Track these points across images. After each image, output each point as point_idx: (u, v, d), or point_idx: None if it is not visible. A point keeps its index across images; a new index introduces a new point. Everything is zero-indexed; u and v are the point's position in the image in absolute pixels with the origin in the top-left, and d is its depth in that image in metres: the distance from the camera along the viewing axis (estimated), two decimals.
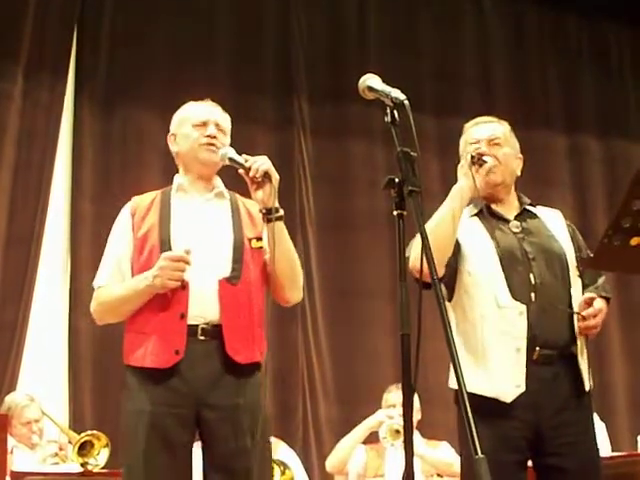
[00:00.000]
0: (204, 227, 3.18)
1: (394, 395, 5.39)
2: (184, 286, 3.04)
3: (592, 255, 2.51)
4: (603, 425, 5.66)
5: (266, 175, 3.10)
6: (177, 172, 3.35)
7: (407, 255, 2.95)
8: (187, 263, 3.01)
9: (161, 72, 6.55)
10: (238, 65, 6.83)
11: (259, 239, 3.19)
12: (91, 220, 6.08)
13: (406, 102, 2.38)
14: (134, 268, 3.16)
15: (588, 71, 7.95)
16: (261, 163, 3.11)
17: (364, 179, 6.94)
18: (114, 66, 6.49)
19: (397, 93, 2.43)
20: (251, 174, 3.10)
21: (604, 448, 5.37)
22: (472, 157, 3.20)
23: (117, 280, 3.18)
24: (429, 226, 3.05)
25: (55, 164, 6.16)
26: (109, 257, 3.25)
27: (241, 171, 3.14)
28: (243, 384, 3.06)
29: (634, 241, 2.36)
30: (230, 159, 3.18)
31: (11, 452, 4.98)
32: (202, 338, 3.03)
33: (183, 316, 3.03)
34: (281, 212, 3.15)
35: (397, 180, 2.34)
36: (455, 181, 3.21)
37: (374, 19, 7.32)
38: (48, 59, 6.26)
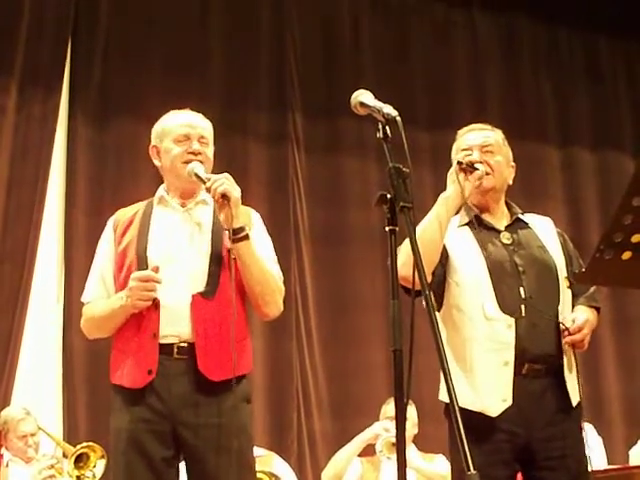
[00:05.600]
0: (182, 240, 3.15)
1: (392, 407, 5.37)
2: (156, 305, 3.03)
3: (584, 269, 2.51)
4: (600, 439, 5.66)
5: (224, 197, 3.00)
6: None
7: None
8: (157, 282, 3.00)
9: (155, 85, 6.55)
10: (233, 79, 6.83)
11: None
12: (85, 233, 6.07)
13: (398, 118, 2.38)
14: (116, 284, 3.16)
15: (581, 83, 7.97)
16: (219, 184, 3.02)
17: (358, 194, 6.95)
18: (108, 79, 6.49)
19: (389, 109, 2.42)
20: (211, 195, 3.05)
21: (601, 462, 5.38)
22: (459, 163, 3.18)
23: (102, 296, 3.20)
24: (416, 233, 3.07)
25: (49, 177, 6.15)
26: (94, 273, 3.26)
27: (205, 189, 3.11)
28: (219, 402, 3.02)
29: (625, 255, 2.36)
30: (196, 175, 3.12)
31: (6, 466, 4.98)
32: (177, 357, 3.02)
33: (155, 335, 3.02)
34: (245, 232, 3.05)
35: (389, 196, 2.34)
36: None
37: (367, 34, 7.33)
38: (42, 72, 6.26)
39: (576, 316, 3.14)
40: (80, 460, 4.99)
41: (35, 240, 6.01)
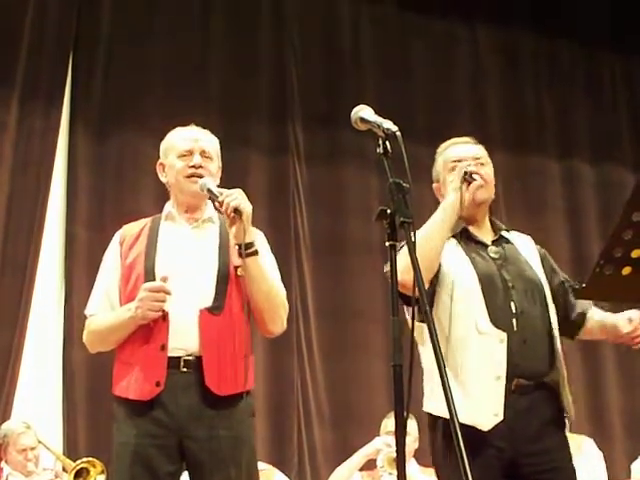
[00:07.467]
0: (190, 255, 3.17)
1: (393, 422, 5.34)
2: (164, 317, 3.03)
3: (584, 285, 2.51)
4: (601, 454, 5.64)
5: (236, 211, 3.01)
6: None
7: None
8: (167, 292, 3.01)
9: (156, 98, 6.57)
10: (233, 91, 6.84)
11: None
12: (86, 247, 6.08)
13: (398, 133, 2.38)
14: (122, 297, 3.17)
15: (582, 97, 7.98)
16: (233, 198, 3.03)
17: (358, 205, 6.95)
18: (109, 93, 6.51)
19: (389, 124, 2.43)
20: (223, 209, 3.05)
21: (602, 477, 5.36)
22: (465, 173, 3.19)
23: (106, 309, 3.20)
24: (417, 238, 3.06)
25: (50, 191, 6.16)
26: (99, 286, 3.27)
27: (216, 204, 3.12)
28: (226, 415, 3.04)
29: (626, 270, 2.36)
30: (208, 190, 3.14)
31: None
32: (184, 370, 3.03)
33: (164, 347, 3.03)
34: (255, 248, 3.08)
35: (389, 211, 2.35)
36: None
37: (368, 47, 7.35)
38: (43, 86, 6.27)
39: (630, 315, 3.14)
40: (80, 475, 4.98)
41: (36, 254, 6.00)
